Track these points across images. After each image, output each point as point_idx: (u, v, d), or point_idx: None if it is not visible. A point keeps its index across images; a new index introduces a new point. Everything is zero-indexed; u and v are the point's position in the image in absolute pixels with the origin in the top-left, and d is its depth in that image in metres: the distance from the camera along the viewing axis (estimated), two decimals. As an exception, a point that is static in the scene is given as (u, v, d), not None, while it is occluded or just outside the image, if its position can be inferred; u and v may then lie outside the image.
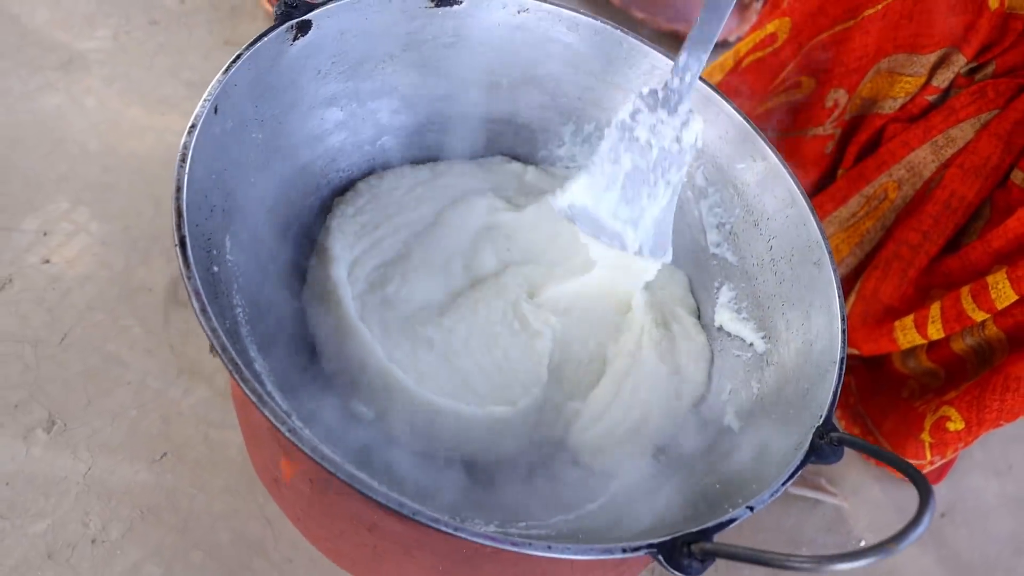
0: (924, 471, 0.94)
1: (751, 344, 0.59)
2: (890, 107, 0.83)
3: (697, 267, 0.66)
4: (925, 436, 0.88)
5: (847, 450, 0.47)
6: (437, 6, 0.61)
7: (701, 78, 0.58)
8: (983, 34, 0.78)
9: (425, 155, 0.67)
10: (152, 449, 0.77)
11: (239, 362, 0.39)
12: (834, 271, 0.55)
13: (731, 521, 0.43)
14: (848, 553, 0.37)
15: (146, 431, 0.78)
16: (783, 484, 0.45)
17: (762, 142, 0.59)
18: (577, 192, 0.53)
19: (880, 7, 0.78)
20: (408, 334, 0.55)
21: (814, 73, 0.84)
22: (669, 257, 0.55)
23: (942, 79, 0.81)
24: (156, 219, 0.90)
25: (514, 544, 0.39)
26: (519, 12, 0.63)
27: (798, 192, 0.58)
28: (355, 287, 0.56)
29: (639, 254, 0.53)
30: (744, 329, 0.60)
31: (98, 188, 0.90)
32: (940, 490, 1.06)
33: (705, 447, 0.55)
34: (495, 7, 0.62)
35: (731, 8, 0.52)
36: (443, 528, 0.39)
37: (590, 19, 0.63)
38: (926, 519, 0.39)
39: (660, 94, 0.53)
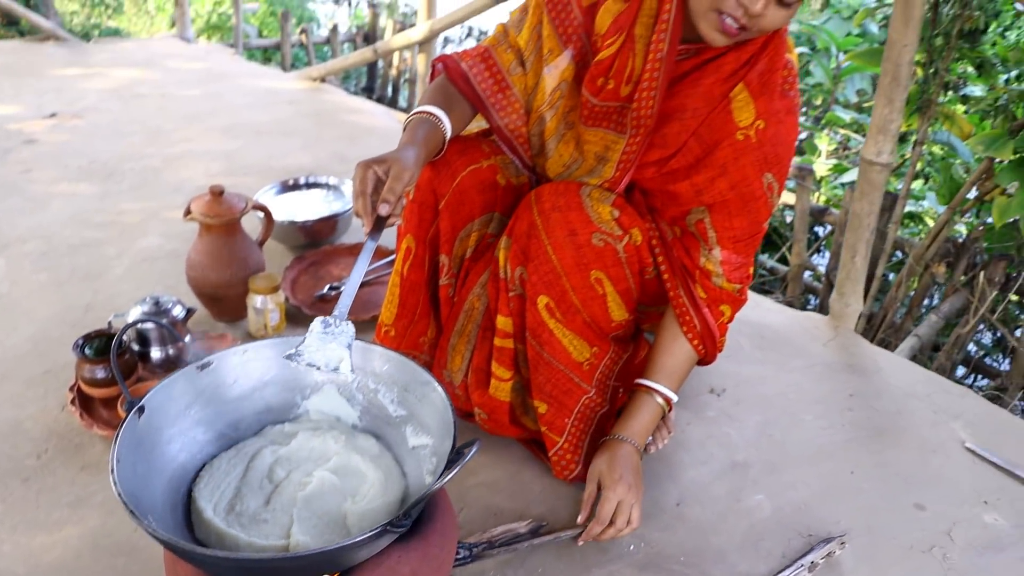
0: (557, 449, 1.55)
1: (426, 444, 1.20)
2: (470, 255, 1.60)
3: (392, 427, 1.27)
4: (543, 429, 1.52)
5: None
6: (200, 370, 1.23)
7: (365, 340, 1.22)
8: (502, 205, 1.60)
9: (230, 442, 1.25)
10: None
11: (181, 547, 0.93)
12: (440, 387, 1.17)
13: (425, 496, 1.01)
14: (446, 465, 0.96)
15: None
16: (441, 477, 1.04)
17: (382, 351, 1.24)
18: (306, 356, 1.15)
19: (443, 203, 1.55)
20: (254, 523, 1.11)
21: (436, 254, 1.59)
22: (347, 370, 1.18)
23: None
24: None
25: (313, 552, 0.94)
26: (244, 353, 1.26)
27: (414, 365, 1.22)
28: (219, 516, 1.11)
29: (335, 371, 1.15)
30: (423, 439, 1.21)
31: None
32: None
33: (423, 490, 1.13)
34: (230, 355, 1.25)
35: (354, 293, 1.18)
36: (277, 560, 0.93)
37: (278, 339, 1.28)
38: (471, 452, 0.98)
39: (330, 321, 1.18)
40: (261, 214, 2.14)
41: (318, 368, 1.16)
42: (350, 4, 11.74)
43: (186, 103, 3.72)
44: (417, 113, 1.46)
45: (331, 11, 11.92)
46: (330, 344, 1.17)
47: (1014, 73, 2.85)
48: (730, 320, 1.56)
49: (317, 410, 1.33)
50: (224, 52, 4.72)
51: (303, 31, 6.70)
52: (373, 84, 7.05)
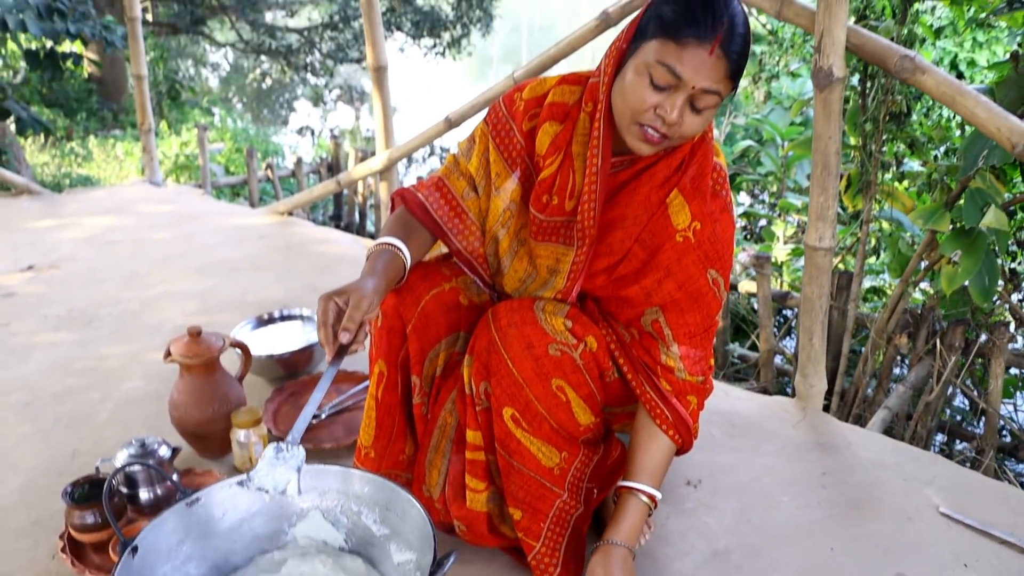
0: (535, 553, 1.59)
1: (411, 559, 1.26)
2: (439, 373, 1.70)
3: (377, 546, 1.34)
4: (520, 535, 1.58)
5: None
6: (190, 506, 1.29)
7: (346, 464, 1.30)
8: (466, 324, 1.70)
9: (223, 574, 1.31)
10: None
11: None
12: (419, 504, 1.25)
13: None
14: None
15: None
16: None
17: (360, 474, 1.32)
18: (256, 480, 1.23)
19: (410, 327, 1.64)
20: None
21: (407, 375, 1.68)
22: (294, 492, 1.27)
23: None
24: None
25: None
26: (230, 487, 1.33)
27: (392, 485, 1.30)
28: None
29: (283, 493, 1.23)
30: (407, 555, 1.28)
31: None
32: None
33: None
34: (219, 490, 1.32)
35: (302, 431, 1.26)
36: None
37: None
38: (449, 563, 1.05)
39: (283, 446, 1.26)
40: (239, 351, 2.23)
41: (267, 492, 1.24)
42: (313, 135, 12.18)
43: (159, 246, 3.85)
44: (377, 245, 1.58)
45: (294, 142, 12.35)
46: (279, 468, 1.26)
47: (942, 150, 3.05)
48: (700, 407, 1.64)
49: (304, 536, 1.39)
50: (193, 193, 4.89)
51: (268, 166, 6.94)
52: (340, 212, 7.26)
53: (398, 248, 1.57)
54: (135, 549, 1.19)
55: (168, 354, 2.10)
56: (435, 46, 13.25)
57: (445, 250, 1.79)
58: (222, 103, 14.15)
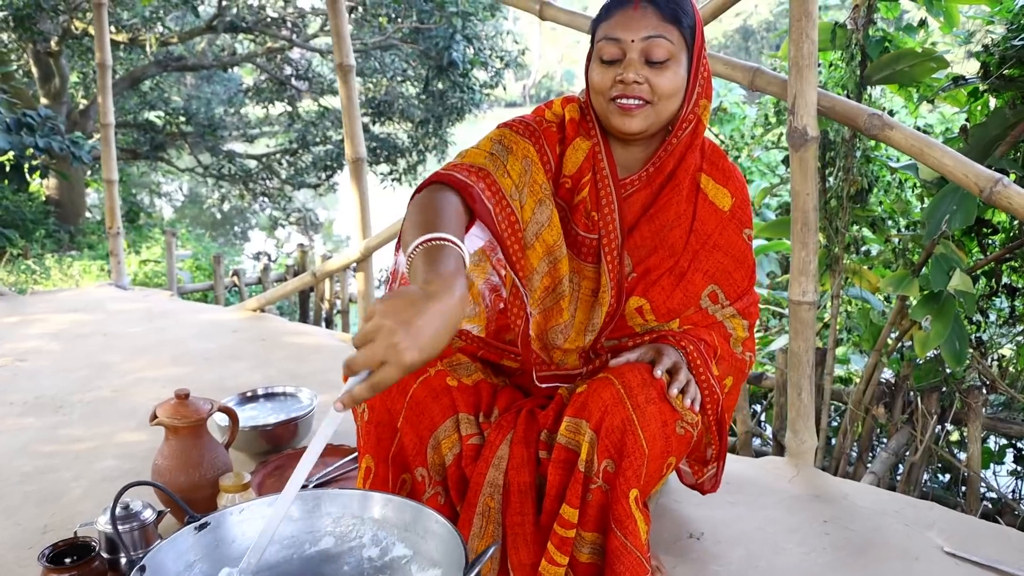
0: None
1: (436, 574, 1.21)
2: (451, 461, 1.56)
3: (398, 571, 1.28)
4: None
5: None
6: (198, 530, 1.23)
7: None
8: (464, 404, 1.58)
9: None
10: None
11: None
12: (442, 518, 1.20)
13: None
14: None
15: None
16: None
17: (380, 496, 1.28)
18: None
19: (401, 420, 1.55)
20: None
21: (402, 471, 1.58)
22: None
23: None
24: None
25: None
26: (240, 512, 1.27)
27: (412, 503, 1.26)
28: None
29: None
30: (431, 572, 1.21)
31: None
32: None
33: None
34: (227, 516, 1.26)
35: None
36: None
37: (272, 497, 1.29)
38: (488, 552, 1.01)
39: None
40: (226, 418, 2.17)
41: None
42: (269, 260, 12.13)
43: (131, 339, 3.77)
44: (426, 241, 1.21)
45: (251, 267, 12.39)
46: None
47: (903, 223, 3.18)
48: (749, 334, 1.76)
49: (317, 562, 1.32)
50: (161, 294, 4.83)
51: (235, 273, 6.93)
52: (305, 318, 7.23)
53: (455, 243, 1.21)
54: (143, 568, 1.12)
55: (154, 416, 2.03)
56: (391, 172, 13.49)
57: None
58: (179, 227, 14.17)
